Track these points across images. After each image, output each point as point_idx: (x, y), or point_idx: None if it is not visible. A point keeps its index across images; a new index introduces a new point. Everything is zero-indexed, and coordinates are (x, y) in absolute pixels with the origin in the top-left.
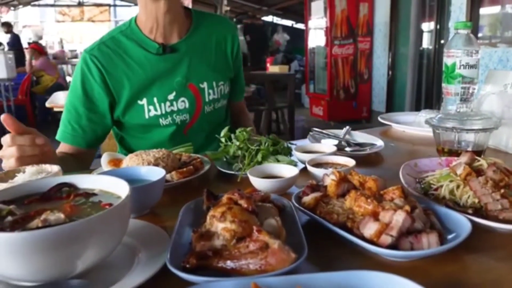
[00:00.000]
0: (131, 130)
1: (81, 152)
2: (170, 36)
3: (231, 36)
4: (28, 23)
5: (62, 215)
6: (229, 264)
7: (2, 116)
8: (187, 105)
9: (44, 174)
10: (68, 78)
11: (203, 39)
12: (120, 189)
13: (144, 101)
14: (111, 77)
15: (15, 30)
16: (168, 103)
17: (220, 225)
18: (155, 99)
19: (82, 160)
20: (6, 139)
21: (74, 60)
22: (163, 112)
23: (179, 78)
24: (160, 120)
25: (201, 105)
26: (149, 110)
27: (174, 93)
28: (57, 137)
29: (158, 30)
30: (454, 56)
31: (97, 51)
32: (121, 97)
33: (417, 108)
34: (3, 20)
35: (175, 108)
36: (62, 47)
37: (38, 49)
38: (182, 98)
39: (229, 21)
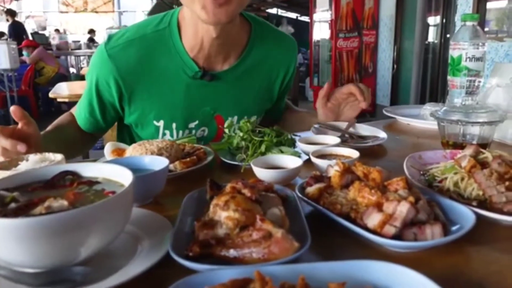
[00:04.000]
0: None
1: (89, 135)
2: (215, 61)
3: (288, 65)
4: (31, 13)
5: (65, 202)
6: (232, 252)
7: (12, 107)
8: (205, 134)
9: (47, 163)
10: (71, 70)
11: (255, 63)
12: (124, 177)
13: (160, 123)
14: (127, 87)
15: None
16: (187, 131)
17: (224, 214)
18: (173, 125)
19: (86, 138)
20: None
21: (77, 51)
22: (179, 137)
23: (208, 108)
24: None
25: (221, 136)
26: (164, 134)
27: (196, 122)
28: (74, 112)
29: (201, 51)
30: (461, 49)
31: (120, 53)
32: (136, 109)
33: (421, 102)
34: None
35: (192, 135)
36: (65, 37)
37: (31, 44)
38: (203, 128)
39: (293, 42)
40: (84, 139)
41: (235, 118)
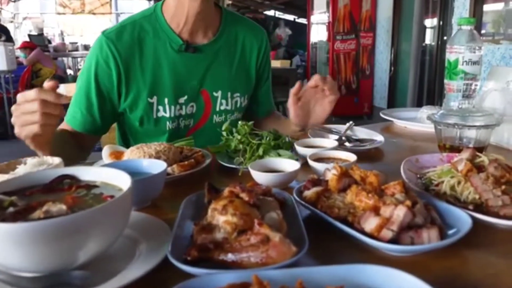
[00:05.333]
0: (134, 129)
1: (85, 137)
2: (196, 35)
3: (259, 47)
4: (28, 15)
5: (64, 207)
6: (230, 257)
7: (51, 82)
8: (194, 111)
9: (45, 166)
10: (68, 71)
11: (229, 44)
12: (122, 181)
13: (154, 100)
14: (125, 66)
15: (16, 22)
16: (178, 107)
17: (222, 218)
18: (166, 100)
19: (83, 143)
20: (28, 93)
21: (74, 52)
22: (172, 115)
23: (194, 82)
24: (168, 123)
25: (209, 114)
26: (157, 110)
27: (185, 97)
28: (66, 120)
29: (186, 26)
30: (457, 52)
31: (115, 36)
32: (131, 90)
33: (418, 104)
34: (3, 12)
35: (183, 112)
36: (63, 39)
37: (29, 45)
38: (192, 104)
39: (261, 30)
40: (80, 146)
41: (219, 93)
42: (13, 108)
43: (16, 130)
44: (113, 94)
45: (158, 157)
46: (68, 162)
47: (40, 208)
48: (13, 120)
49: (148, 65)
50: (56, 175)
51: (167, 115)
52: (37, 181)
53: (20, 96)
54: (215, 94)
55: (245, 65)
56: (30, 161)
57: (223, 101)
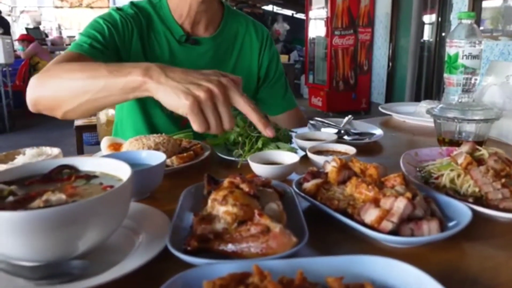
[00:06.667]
0: (131, 110)
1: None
2: (198, 28)
3: (260, 46)
4: (25, 8)
5: (63, 196)
6: (230, 247)
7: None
8: None
9: (44, 157)
10: None
11: (228, 41)
12: (122, 172)
13: None
14: (138, 34)
15: (13, 15)
16: None
17: (222, 209)
18: None
19: None
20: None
21: None
22: None
23: None
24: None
25: None
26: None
27: None
28: (73, 48)
29: (188, 17)
30: (457, 46)
31: (127, 13)
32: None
33: (416, 100)
34: (1, 5)
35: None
36: (60, 33)
37: (27, 38)
38: None
39: (262, 29)
40: None
41: None
42: None
43: None
44: (123, 48)
45: (157, 149)
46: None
47: (39, 197)
48: None
49: (151, 47)
50: (55, 165)
51: None
52: (37, 171)
53: None
54: None
55: (245, 63)
56: (29, 151)
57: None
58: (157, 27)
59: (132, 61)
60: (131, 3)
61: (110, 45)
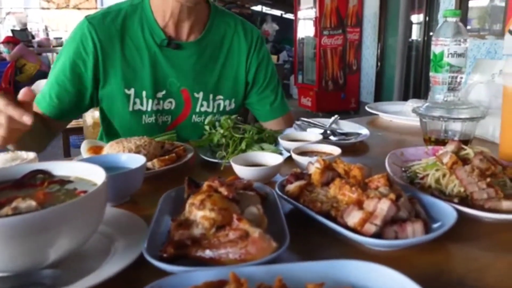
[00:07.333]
0: (108, 120)
1: (50, 121)
2: (181, 31)
3: (248, 49)
4: (11, 10)
5: (33, 203)
6: (208, 253)
7: (25, 89)
8: (172, 107)
9: (18, 161)
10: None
11: (214, 44)
12: (97, 176)
13: (131, 91)
14: (103, 52)
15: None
16: (156, 101)
17: (199, 213)
18: (143, 93)
19: (49, 126)
20: None
21: (59, 48)
22: (148, 109)
23: (174, 80)
24: (143, 117)
25: (188, 113)
26: (134, 103)
27: (164, 92)
28: (35, 100)
29: (171, 21)
30: (442, 45)
31: (98, 22)
32: (109, 79)
33: (405, 99)
34: None
35: (160, 107)
36: (47, 34)
37: (12, 40)
38: (170, 99)
39: (252, 30)
40: (47, 124)
41: (201, 94)
42: None
43: None
44: (86, 81)
45: (138, 152)
46: (33, 145)
47: (8, 204)
48: None
49: (128, 54)
50: (28, 170)
51: (143, 108)
52: (9, 177)
53: None
54: (196, 95)
55: (232, 67)
56: (3, 156)
57: (204, 103)
58: (135, 32)
59: (115, 69)
60: (104, 12)
61: (76, 81)
